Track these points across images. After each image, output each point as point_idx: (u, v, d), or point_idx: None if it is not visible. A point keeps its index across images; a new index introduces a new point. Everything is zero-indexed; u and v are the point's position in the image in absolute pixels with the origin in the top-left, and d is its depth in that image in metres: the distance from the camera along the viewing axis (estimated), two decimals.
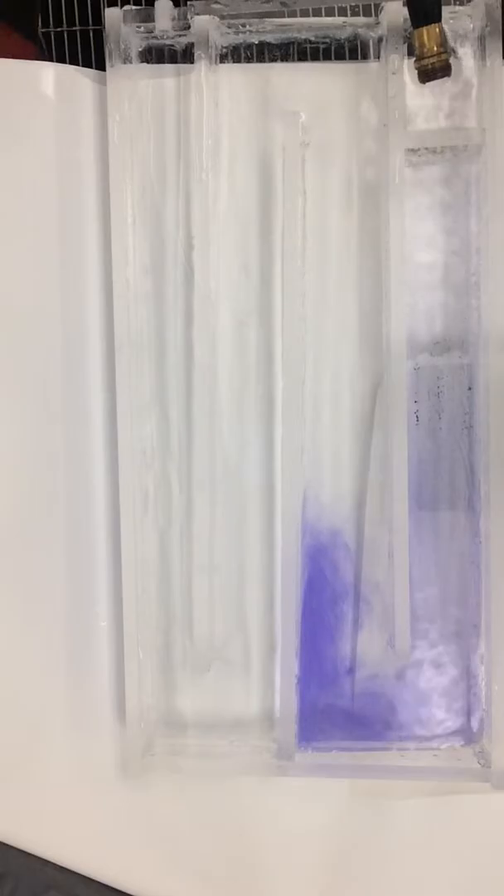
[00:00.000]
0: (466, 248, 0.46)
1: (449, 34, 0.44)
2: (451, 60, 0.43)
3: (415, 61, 0.42)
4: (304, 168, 0.46)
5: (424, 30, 0.41)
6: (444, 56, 0.42)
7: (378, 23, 0.45)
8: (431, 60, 0.42)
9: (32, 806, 0.49)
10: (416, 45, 0.42)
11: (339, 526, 0.47)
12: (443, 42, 0.42)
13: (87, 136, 0.47)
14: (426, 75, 0.42)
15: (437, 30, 0.41)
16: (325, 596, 0.47)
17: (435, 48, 0.41)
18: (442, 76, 0.42)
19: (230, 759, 0.47)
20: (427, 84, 0.43)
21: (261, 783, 0.48)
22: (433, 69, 0.42)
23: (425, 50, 0.42)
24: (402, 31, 0.44)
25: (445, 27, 0.42)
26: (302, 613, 0.47)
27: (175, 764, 0.47)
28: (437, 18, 0.41)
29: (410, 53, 0.43)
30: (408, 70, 0.44)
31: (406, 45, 0.44)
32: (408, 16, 0.43)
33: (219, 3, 0.45)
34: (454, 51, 0.45)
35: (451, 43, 0.44)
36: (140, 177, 0.46)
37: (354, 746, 0.47)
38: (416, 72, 0.43)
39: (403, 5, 0.43)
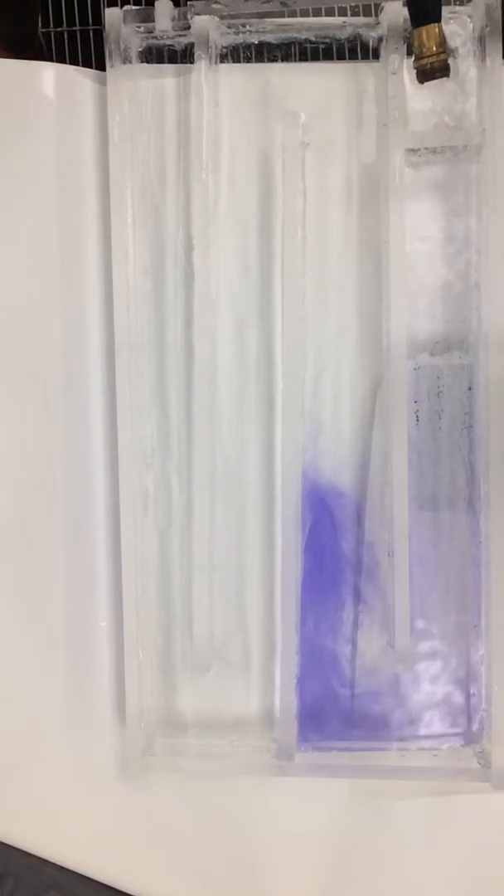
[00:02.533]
0: (466, 249, 0.46)
1: (448, 34, 0.44)
2: (451, 60, 0.43)
3: (414, 61, 0.42)
4: (304, 168, 0.46)
5: (424, 29, 0.41)
6: (442, 56, 0.42)
7: (378, 23, 0.45)
8: (430, 60, 0.42)
9: (32, 806, 0.49)
10: (416, 44, 0.42)
11: (338, 527, 0.47)
12: (442, 42, 0.42)
13: (87, 136, 0.47)
14: (425, 75, 0.42)
15: (437, 30, 0.41)
16: (327, 593, 0.47)
17: (434, 48, 0.42)
18: (441, 76, 0.42)
19: (230, 759, 0.47)
20: (427, 84, 0.43)
21: (261, 783, 0.48)
22: (432, 69, 0.42)
23: (424, 49, 0.42)
24: (402, 31, 0.44)
25: (445, 27, 0.42)
26: (301, 611, 0.47)
27: (175, 764, 0.47)
28: (436, 18, 0.41)
29: (410, 53, 0.43)
30: (407, 70, 0.44)
31: (406, 45, 0.44)
32: (407, 16, 0.43)
33: (219, 3, 0.45)
34: (453, 51, 0.45)
35: (450, 43, 0.44)
36: (140, 177, 0.46)
37: (354, 746, 0.47)
38: (415, 71, 0.43)
39: (403, 5, 0.43)
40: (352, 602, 0.47)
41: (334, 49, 0.47)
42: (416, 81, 0.43)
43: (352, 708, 0.47)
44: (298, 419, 0.46)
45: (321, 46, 0.47)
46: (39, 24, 0.50)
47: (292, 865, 0.48)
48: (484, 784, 0.45)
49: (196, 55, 0.45)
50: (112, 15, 0.45)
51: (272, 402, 0.47)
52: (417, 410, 0.47)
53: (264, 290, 0.47)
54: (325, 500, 0.48)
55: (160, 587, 0.48)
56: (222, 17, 0.45)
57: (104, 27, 0.45)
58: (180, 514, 0.48)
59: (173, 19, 0.45)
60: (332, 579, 0.47)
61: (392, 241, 0.44)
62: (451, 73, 0.43)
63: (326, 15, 0.46)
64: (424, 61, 0.42)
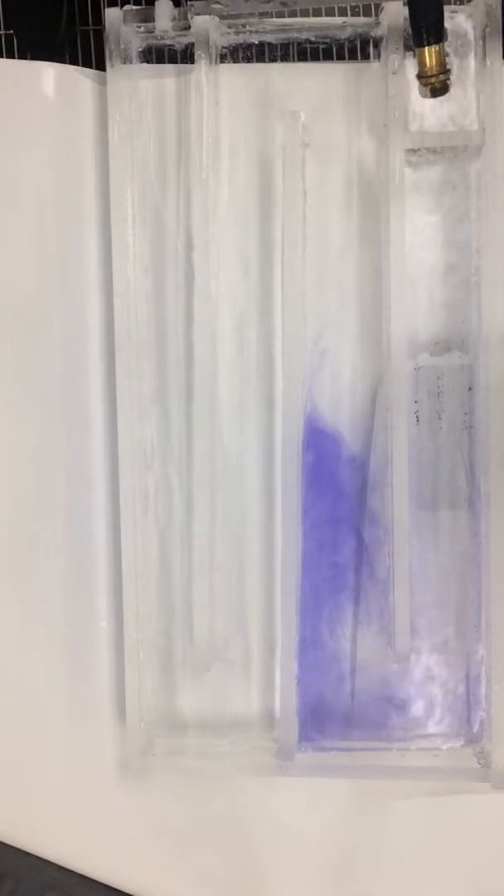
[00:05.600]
0: (466, 248, 0.46)
1: (449, 35, 0.44)
2: (451, 60, 0.43)
3: (416, 76, 0.42)
4: (304, 168, 0.46)
5: (426, 49, 0.41)
6: (442, 77, 0.42)
7: (378, 23, 0.45)
8: (431, 81, 0.42)
9: (32, 806, 0.49)
10: (418, 63, 0.42)
11: (336, 525, 0.48)
12: (443, 62, 0.42)
13: (87, 136, 0.47)
14: (426, 92, 0.43)
15: (439, 50, 0.41)
16: (326, 602, 0.48)
17: (435, 69, 0.42)
18: (440, 94, 0.43)
19: (230, 759, 0.47)
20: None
21: (261, 783, 0.48)
22: (432, 88, 0.42)
23: (426, 69, 0.42)
24: (402, 31, 0.44)
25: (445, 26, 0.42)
26: (301, 611, 0.47)
27: (175, 764, 0.47)
28: (439, 39, 0.41)
29: (409, 48, 0.43)
30: (409, 70, 0.44)
31: (405, 45, 0.44)
32: (408, 16, 0.43)
33: (219, 3, 0.45)
34: (455, 49, 0.45)
35: (451, 41, 0.44)
36: (140, 177, 0.46)
37: (354, 746, 0.47)
38: (415, 71, 0.43)
39: (404, 5, 0.43)
40: (353, 595, 0.47)
41: (334, 49, 0.47)
42: (417, 83, 0.43)
43: (352, 708, 0.47)
44: (298, 419, 0.46)
45: (321, 46, 0.47)
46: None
47: (292, 865, 0.48)
48: (484, 784, 0.45)
49: (196, 55, 0.45)
50: (112, 15, 0.45)
51: (272, 403, 0.47)
52: (417, 410, 0.47)
53: (264, 290, 0.47)
54: (324, 502, 0.48)
55: (160, 587, 0.48)
56: (222, 17, 0.45)
57: (104, 27, 0.45)
58: (180, 513, 0.48)
59: (173, 19, 0.45)
60: (333, 574, 0.47)
61: (392, 241, 0.44)
62: (452, 73, 0.43)
63: (326, 15, 0.46)
64: (424, 80, 0.42)
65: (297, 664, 0.46)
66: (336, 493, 0.47)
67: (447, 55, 0.42)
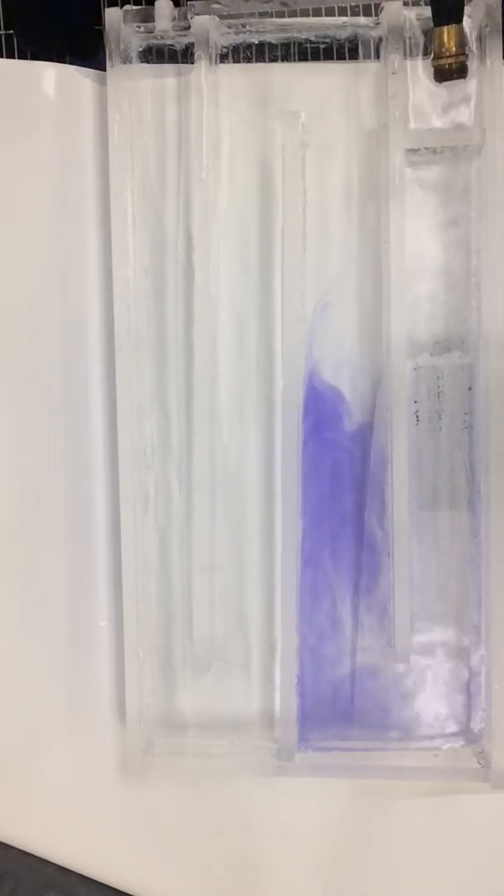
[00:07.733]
0: (466, 248, 0.46)
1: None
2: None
3: (432, 59, 0.42)
4: (304, 168, 0.46)
5: (445, 29, 0.41)
6: (461, 58, 0.42)
7: (378, 23, 0.45)
8: (449, 61, 0.42)
9: (32, 806, 0.49)
10: (435, 43, 0.42)
11: (338, 529, 0.48)
12: (462, 43, 0.41)
13: (87, 136, 0.47)
14: (442, 75, 0.42)
15: (458, 30, 0.41)
16: (326, 602, 0.48)
17: (454, 49, 0.41)
18: (458, 77, 0.42)
19: (230, 759, 0.47)
20: (427, 83, 0.43)
21: (261, 783, 0.48)
22: (450, 69, 0.42)
23: (444, 50, 0.41)
24: (402, 31, 0.44)
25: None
26: (301, 613, 0.47)
27: (175, 764, 0.47)
28: (458, 19, 0.41)
29: (425, 54, 0.43)
30: (409, 70, 0.44)
31: (405, 45, 0.44)
32: (408, 16, 0.43)
33: (219, 3, 0.45)
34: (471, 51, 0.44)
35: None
36: (140, 177, 0.46)
37: (354, 746, 0.47)
38: (432, 70, 0.43)
39: (404, 5, 0.43)
40: (353, 598, 0.47)
41: (334, 49, 0.47)
42: (427, 79, 0.43)
43: (352, 708, 0.47)
44: (298, 420, 0.46)
45: (321, 46, 0.47)
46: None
47: (292, 865, 0.48)
48: (484, 784, 0.45)
49: (196, 55, 0.45)
50: (112, 15, 0.45)
51: (272, 402, 0.47)
52: (417, 410, 0.47)
53: (264, 290, 0.47)
54: (324, 503, 0.48)
55: (160, 587, 0.48)
56: (222, 17, 0.45)
57: (104, 27, 0.45)
58: (180, 514, 0.48)
59: (173, 19, 0.45)
60: (332, 582, 0.47)
61: (392, 241, 0.44)
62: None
63: (326, 15, 0.46)
64: (443, 61, 0.42)
65: (297, 664, 0.46)
66: (338, 476, 0.47)
67: (466, 36, 0.42)
